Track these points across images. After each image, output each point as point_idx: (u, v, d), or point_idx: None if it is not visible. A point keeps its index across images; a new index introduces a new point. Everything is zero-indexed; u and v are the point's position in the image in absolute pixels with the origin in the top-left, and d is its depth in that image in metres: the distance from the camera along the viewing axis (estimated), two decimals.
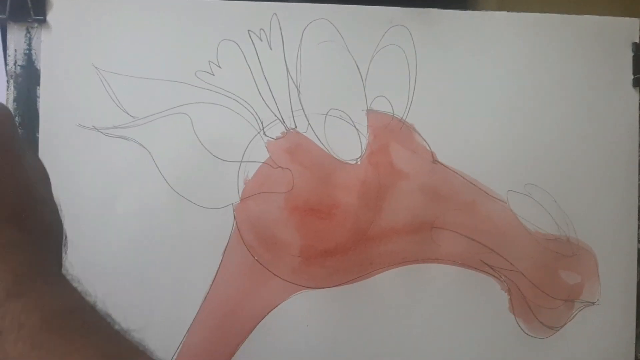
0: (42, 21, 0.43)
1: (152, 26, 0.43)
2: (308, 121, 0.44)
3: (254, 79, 0.44)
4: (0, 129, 0.23)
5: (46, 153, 0.42)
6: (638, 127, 0.47)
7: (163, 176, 0.43)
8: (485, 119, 0.46)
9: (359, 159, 0.45)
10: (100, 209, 0.42)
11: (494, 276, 0.45)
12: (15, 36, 0.43)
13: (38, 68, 0.43)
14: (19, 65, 0.43)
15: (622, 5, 0.51)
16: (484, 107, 0.46)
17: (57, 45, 0.43)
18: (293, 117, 0.44)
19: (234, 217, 0.43)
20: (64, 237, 0.28)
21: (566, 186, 0.46)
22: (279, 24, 0.44)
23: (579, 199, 0.46)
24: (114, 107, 0.43)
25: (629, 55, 0.47)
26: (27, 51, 0.43)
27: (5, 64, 0.43)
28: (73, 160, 0.43)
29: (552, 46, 0.46)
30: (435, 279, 0.44)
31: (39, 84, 0.43)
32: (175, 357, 0.43)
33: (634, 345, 0.47)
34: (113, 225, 0.42)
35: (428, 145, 0.45)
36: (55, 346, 0.20)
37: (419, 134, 0.45)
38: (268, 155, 0.44)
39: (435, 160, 0.45)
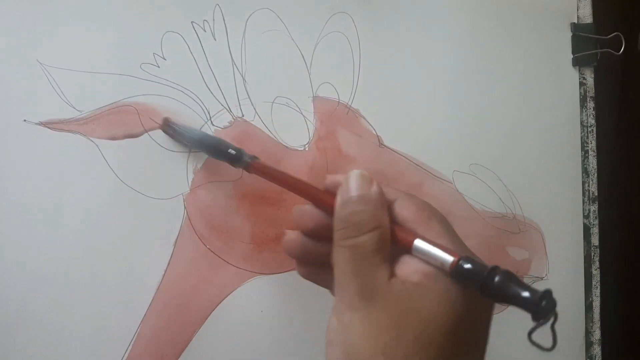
0: None
1: (95, 20, 0.44)
2: (255, 109, 0.45)
3: (200, 70, 0.44)
4: None
5: None
6: (579, 104, 0.48)
7: (111, 168, 0.43)
8: (429, 102, 0.46)
9: (306, 145, 0.45)
10: (48, 204, 0.42)
11: None
12: None
13: None
14: None
15: None
16: (428, 91, 0.47)
17: (1, 43, 0.43)
18: (240, 106, 0.45)
19: (185, 207, 0.44)
20: None
21: (510, 165, 0.47)
22: (222, 15, 0.44)
23: (523, 177, 0.47)
24: (60, 102, 0.43)
25: (568, 35, 0.48)
26: None
27: None
28: (20, 156, 0.43)
29: (493, 28, 0.47)
30: None
31: None
32: (129, 348, 0.43)
33: (583, 318, 0.48)
34: (61, 220, 0.42)
35: (374, 130, 0.46)
36: None
37: (365, 119, 0.46)
38: None
39: (381, 144, 0.46)
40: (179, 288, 0.43)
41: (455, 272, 0.26)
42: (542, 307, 0.23)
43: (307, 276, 0.35)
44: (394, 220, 0.29)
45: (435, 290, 0.26)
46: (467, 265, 0.25)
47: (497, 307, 0.43)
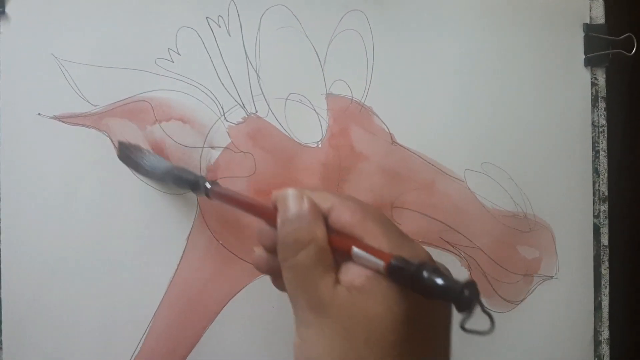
0: (1, 13, 0.43)
1: (111, 14, 0.44)
2: (268, 106, 0.45)
3: (214, 65, 0.44)
4: None
5: (7, 143, 0.43)
6: (590, 105, 0.48)
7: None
8: (441, 100, 0.47)
9: (319, 142, 0.45)
10: (62, 198, 0.43)
11: (454, 253, 0.46)
12: None
13: None
14: None
15: None
16: (441, 89, 0.47)
17: (16, 37, 0.43)
18: (253, 102, 0.45)
19: (198, 203, 0.44)
20: None
21: (522, 164, 0.47)
22: (237, 11, 0.45)
23: (534, 177, 0.47)
24: (74, 96, 0.43)
25: (580, 35, 0.48)
26: None
27: None
28: (34, 150, 0.43)
29: (505, 28, 0.48)
30: None
31: None
32: (141, 342, 0.43)
33: (592, 317, 0.48)
34: (74, 214, 0.43)
35: (387, 127, 0.46)
36: None
37: (378, 117, 0.46)
38: (230, 141, 0.44)
39: (394, 142, 0.46)
40: (192, 283, 0.44)
41: (389, 273, 0.26)
42: (464, 297, 0.24)
43: (281, 288, 0.35)
44: (332, 229, 0.29)
45: (377, 291, 0.26)
46: (397, 265, 0.26)
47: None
